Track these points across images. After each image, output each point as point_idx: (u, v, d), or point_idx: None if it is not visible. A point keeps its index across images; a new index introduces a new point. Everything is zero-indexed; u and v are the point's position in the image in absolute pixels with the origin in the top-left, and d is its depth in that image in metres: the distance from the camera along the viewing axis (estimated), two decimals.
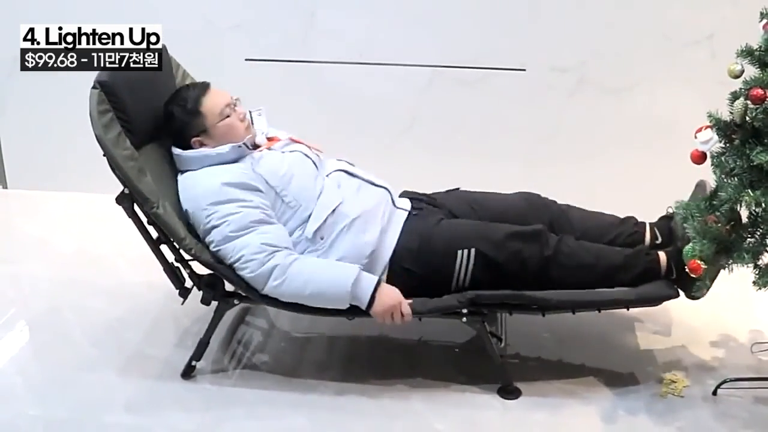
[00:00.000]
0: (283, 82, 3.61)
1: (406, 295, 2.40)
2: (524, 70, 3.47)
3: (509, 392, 2.47)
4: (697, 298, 2.42)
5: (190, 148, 2.51)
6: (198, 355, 2.56)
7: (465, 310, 2.40)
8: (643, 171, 3.48)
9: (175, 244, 2.42)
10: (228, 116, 2.52)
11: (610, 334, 2.78)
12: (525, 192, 2.74)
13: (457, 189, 2.81)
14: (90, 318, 2.89)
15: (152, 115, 2.52)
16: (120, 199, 2.38)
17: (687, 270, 2.21)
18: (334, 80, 3.57)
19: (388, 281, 2.45)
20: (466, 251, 2.43)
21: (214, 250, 2.38)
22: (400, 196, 2.76)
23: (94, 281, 3.13)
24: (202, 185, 2.41)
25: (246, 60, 3.59)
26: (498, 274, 2.42)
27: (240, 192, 2.39)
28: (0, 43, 3.67)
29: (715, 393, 2.46)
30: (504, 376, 2.49)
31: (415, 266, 2.45)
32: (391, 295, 2.37)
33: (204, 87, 2.56)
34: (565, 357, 2.66)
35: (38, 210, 3.79)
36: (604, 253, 2.49)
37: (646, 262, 2.46)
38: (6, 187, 3.99)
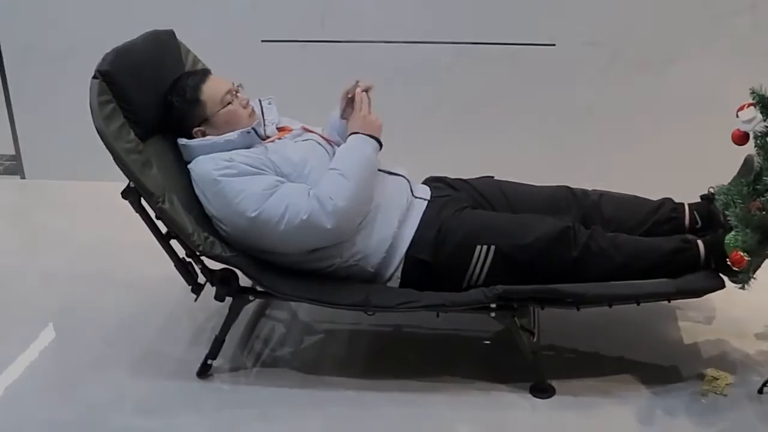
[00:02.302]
0: (301, 64, 3.52)
1: (419, 288, 2.32)
2: (554, 45, 3.38)
3: (542, 390, 2.34)
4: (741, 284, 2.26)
5: (194, 138, 2.42)
6: (213, 353, 2.46)
7: (493, 305, 2.27)
8: (682, 151, 3.37)
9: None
10: (229, 103, 2.42)
11: (648, 325, 2.64)
12: (556, 185, 2.63)
13: (492, 177, 2.70)
14: (103, 314, 2.80)
15: (159, 105, 2.42)
16: (126, 193, 2.29)
17: (729, 262, 2.06)
18: (353, 60, 3.47)
19: (402, 273, 2.35)
20: (485, 247, 2.31)
21: (259, 209, 2.23)
22: (425, 181, 2.65)
23: (110, 275, 3.05)
24: (215, 161, 2.30)
25: (262, 41, 3.51)
26: (517, 275, 2.30)
27: (256, 169, 2.30)
28: (13, 31, 3.66)
29: (761, 391, 2.31)
30: (537, 373, 2.36)
31: (430, 257, 2.34)
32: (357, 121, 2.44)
33: (203, 74, 2.47)
34: (601, 349, 2.53)
35: (57, 200, 3.73)
36: (638, 250, 2.35)
37: (683, 258, 2.32)
38: (24, 178, 3.94)
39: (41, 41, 3.63)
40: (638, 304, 2.32)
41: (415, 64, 3.48)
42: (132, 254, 3.15)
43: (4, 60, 3.70)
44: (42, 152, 3.86)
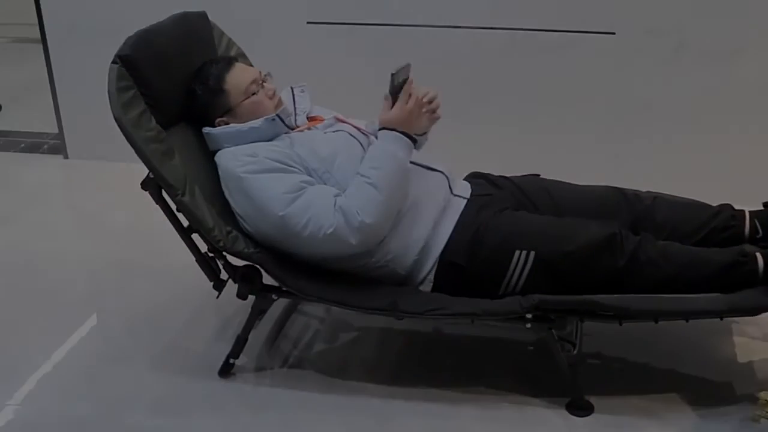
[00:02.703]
0: (348, 47, 3.42)
1: (453, 293, 2.20)
2: (614, 33, 3.22)
3: (580, 408, 2.20)
4: None
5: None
6: (236, 352, 2.36)
7: (529, 315, 2.14)
8: (749, 151, 3.20)
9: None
10: (254, 93, 2.30)
11: (699, 338, 2.48)
12: (606, 186, 2.48)
13: (538, 175, 2.56)
14: (131, 303, 2.75)
15: (185, 91, 2.32)
16: (145, 184, 2.21)
17: None
18: (401, 45, 3.34)
19: (435, 276, 2.23)
20: (524, 252, 2.16)
21: (281, 214, 2.13)
22: (467, 177, 2.52)
23: (142, 261, 3.00)
24: (238, 157, 2.20)
25: (308, 23, 3.41)
26: (559, 282, 2.15)
27: (281, 165, 2.19)
28: (57, 10, 3.64)
29: None
30: (574, 389, 2.22)
31: (465, 260, 2.20)
32: (397, 112, 2.22)
33: (228, 63, 2.35)
34: (646, 363, 2.39)
35: (98, 181, 3.70)
36: (690, 262, 2.18)
37: (740, 273, 2.14)
38: (67, 157, 3.93)
39: (85, 21, 3.60)
40: (687, 321, 2.16)
41: (467, 51, 3.35)
42: (165, 240, 3.04)
43: (48, 39, 3.68)
44: (85, 132, 3.83)
